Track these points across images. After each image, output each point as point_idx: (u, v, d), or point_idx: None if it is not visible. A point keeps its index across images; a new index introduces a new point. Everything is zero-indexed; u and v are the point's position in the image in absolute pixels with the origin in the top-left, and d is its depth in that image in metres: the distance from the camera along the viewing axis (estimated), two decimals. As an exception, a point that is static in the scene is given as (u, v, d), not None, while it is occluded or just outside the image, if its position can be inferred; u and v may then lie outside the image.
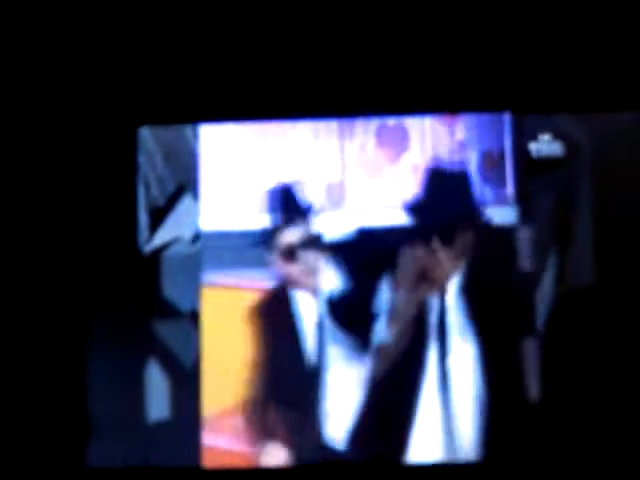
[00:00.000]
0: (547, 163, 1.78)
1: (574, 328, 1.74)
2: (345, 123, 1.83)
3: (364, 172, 1.84)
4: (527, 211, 1.78)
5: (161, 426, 1.75)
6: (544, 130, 1.78)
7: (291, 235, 1.79)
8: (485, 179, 1.81)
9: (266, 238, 1.78)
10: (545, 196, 1.78)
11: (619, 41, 1.77)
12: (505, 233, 1.77)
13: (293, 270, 1.78)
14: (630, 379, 1.71)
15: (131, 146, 1.80)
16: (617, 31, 1.77)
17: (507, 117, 1.79)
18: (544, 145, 1.78)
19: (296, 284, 1.77)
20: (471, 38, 1.78)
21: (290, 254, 1.78)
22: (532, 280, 1.76)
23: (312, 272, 1.77)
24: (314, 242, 1.78)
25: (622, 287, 1.75)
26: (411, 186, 1.81)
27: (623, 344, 1.73)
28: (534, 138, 1.78)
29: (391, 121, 1.84)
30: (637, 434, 1.69)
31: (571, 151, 1.78)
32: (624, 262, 1.75)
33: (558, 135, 1.78)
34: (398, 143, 1.84)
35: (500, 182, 1.81)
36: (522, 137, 1.79)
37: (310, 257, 1.78)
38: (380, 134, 1.85)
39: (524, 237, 1.76)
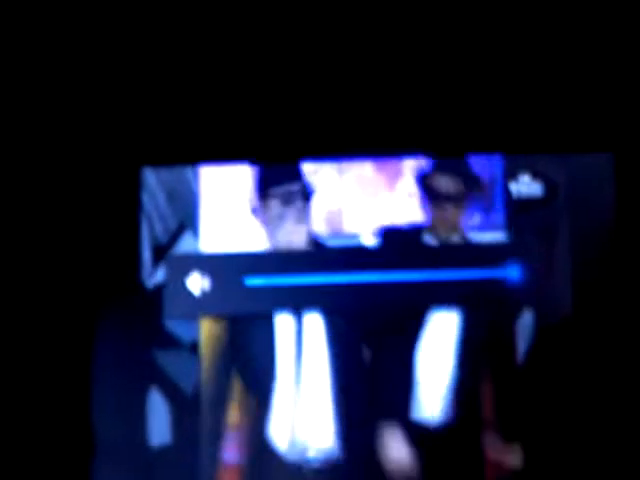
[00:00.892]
0: (527, 203, 1.90)
1: (553, 359, 1.86)
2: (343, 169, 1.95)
3: (361, 199, 1.95)
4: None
5: (162, 451, 1.85)
6: (524, 171, 1.90)
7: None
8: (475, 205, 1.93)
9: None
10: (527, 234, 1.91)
11: (594, 85, 1.89)
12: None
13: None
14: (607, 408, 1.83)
15: (135, 185, 1.91)
16: (591, 76, 1.89)
17: (497, 158, 1.91)
18: (524, 185, 1.90)
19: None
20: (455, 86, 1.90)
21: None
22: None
23: None
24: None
25: (598, 319, 1.87)
26: (406, 212, 1.93)
27: (600, 372, 1.84)
28: (514, 178, 1.90)
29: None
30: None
31: (550, 191, 1.89)
32: (599, 295, 1.87)
33: (537, 175, 1.90)
34: (393, 172, 1.95)
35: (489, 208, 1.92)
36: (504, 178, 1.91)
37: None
38: (376, 164, 1.96)
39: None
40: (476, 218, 1.91)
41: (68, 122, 1.92)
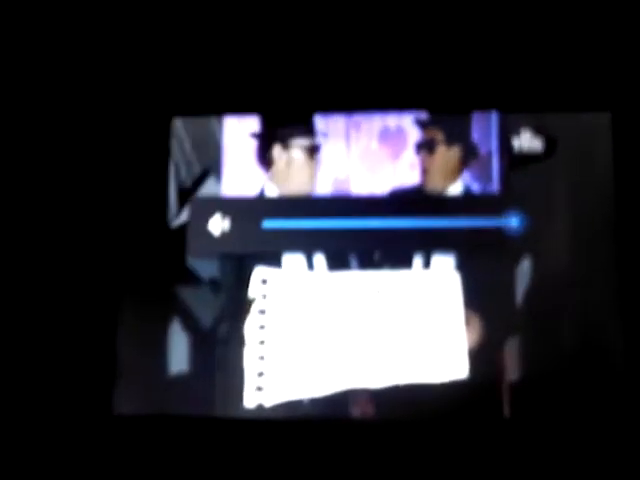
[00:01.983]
0: (527, 157, 2.02)
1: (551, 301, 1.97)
2: (351, 125, 2.09)
3: (367, 168, 2.09)
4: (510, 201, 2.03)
5: (180, 378, 1.98)
6: (525, 126, 2.03)
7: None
8: (473, 176, 2.06)
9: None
10: (527, 187, 2.02)
11: (598, 44, 2.02)
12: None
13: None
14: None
15: (166, 134, 2.08)
16: (596, 34, 2.02)
17: (494, 115, 2.05)
18: (525, 141, 2.02)
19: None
20: (457, 45, 2.05)
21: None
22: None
23: None
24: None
25: (596, 272, 1.98)
26: (409, 180, 2.07)
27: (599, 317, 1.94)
28: (516, 134, 2.03)
29: (392, 123, 2.10)
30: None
31: (549, 147, 2.02)
32: (595, 244, 1.98)
33: (538, 131, 2.02)
34: (398, 143, 2.10)
35: (487, 179, 2.05)
36: (506, 133, 2.04)
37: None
38: (382, 135, 2.11)
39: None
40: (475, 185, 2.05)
41: (105, 81, 2.11)
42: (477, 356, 1.93)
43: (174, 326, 2.01)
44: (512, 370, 1.93)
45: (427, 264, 2.00)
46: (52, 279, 1.99)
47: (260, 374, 1.97)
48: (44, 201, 2.04)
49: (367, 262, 2.01)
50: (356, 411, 1.95)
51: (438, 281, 1.97)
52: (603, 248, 1.97)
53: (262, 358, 1.97)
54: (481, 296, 1.96)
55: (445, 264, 1.99)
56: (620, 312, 1.92)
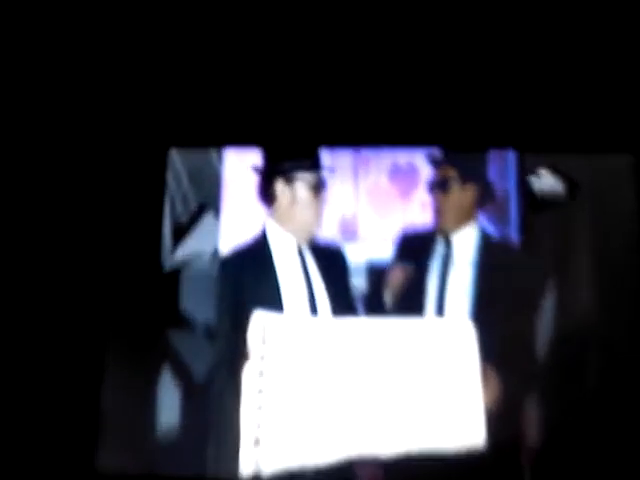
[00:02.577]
0: (547, 199, 1.91)
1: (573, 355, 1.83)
2: (360, 160, 1.96)
3: (376, 207, 1.96)
4: (529, 246, 1.90)
5: (170, 434, 1.80)
6: (544, 167, 1.91)
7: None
8: (488, 218, 1.94)
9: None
10: (547, 231, 1.90)
11: (619, 86, 1.92)
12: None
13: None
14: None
15: (161, 166, 1.92)
16: (617, 76, 1.92)
17: (510, 154, 1.93)
18: (545, 181, 1.91)
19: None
20: (477, 79, 1.93)
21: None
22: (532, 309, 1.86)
23: None
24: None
25: (621, 324, 1.85)
26: (419, 221, 1.94)
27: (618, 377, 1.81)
28: (534, 174, 1.91)
29: (403, 160, 1.98)
30: None
31: (570, 188, 1.90)
32: (623, 296, 1.86)
33: (557, 172, 1.91)
34: (409, 181, 1.97)
35: (504, 221, 1.93)
36: (524, 174, 1.92)
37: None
38: (392, 172, 1.98)
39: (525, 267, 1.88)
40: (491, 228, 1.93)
41: (102, 108, 1.96)
42: (495, 416, 1.78)
43: (164, 376, 1.83)
44: (533, 432, 1.79)
45: (440, 311, 1.87)
46: (31, 322, 1.82)
47: (258, 426, 1.80)
48: (32, 234, 1.88)
49: (375, 307, 1.88)
50: (364, 483, 1.79)
51: (452, 331, 1.83)
52: (628, 296, 1.84)
53: (260, 408, 1.80)
54: (499, 348, 1.82)
55: (459, 312, 1.86)
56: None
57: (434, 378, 1.80)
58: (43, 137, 1.91)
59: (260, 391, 1.80)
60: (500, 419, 1.79)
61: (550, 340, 1.83)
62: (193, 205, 1.92)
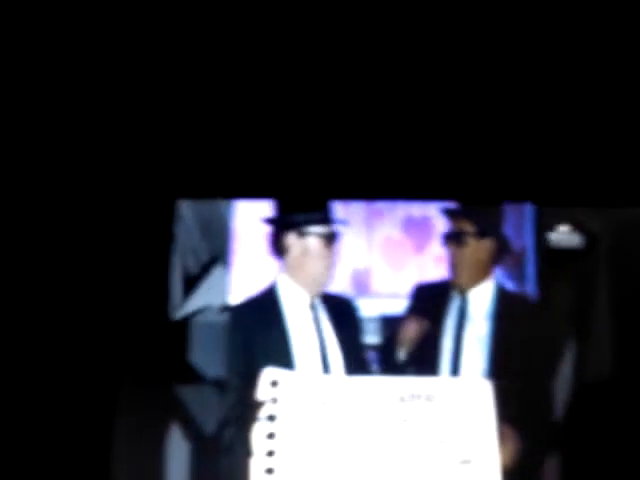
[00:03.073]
0: (566, 254, 1.87)
1: (593, 419, 1.77)
2: (373, 213, 1.94)
3: (389, 260, 1.93)
4: (547, 302, 1.86)
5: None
6: (562, 222, 1.87)
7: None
8: (505, 273, 1.90)
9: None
10: (565, 286, 1.86)
11: (635, 142, 1.89)
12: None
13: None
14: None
15: (168, 217, 1.90)
16: (637, 130, 1.90)
17: (528, 209, 1.90)
18: (563, 236, 1.87)
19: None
20: (492, 131, 1.91)
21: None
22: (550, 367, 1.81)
23: None
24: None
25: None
26: (434, 276, 1.90)
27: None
28: (552, 229, 1.87)
29: (417, 212, 1.95)
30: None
31: (589, 243, 1.86)
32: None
33: (576, 227, 1.87)
34: (423, 234, 1.94)
35: (521, 277, 1.89)
36: (541, 228, 1.88)
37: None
38: (406, 224, 1.95)
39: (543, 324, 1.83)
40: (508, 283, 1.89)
41: (109, 158, 1.95)
42: (513, 477, 1.72)
43: (174, 430, 1.79)
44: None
45: (455, 367, 1.82)
46: (38, 377, 1.79)
47: (268, 488, 1.75)
48: (41, 285, 1.85)
49: (389, 362, 1.83)
50: None
51: (468, 390, 1.78)
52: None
53: (270, 471, 1.75)
54: (516, 407, 1.77)
55: (475, 369, 1.81)
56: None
57: (449, 438, 1.75)
58: (52, 189, 1.90)
59: (270, 453, 1.75)
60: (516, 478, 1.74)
61: (568, 399, 1.77)
62: (204, 256, 1.90)
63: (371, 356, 1.83)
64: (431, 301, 1.87)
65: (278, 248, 1.89)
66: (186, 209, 1.92)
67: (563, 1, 1.89)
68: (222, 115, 1.94)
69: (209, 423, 1.79)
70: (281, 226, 1.89)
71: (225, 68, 1.95)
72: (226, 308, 1.86)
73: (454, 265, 1.88)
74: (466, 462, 1.72)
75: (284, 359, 1.80)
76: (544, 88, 1.90)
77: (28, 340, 1.82)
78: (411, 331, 1.84)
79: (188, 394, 1.81)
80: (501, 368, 1.79)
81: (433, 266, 1.90)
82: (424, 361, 1.82)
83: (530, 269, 1.87)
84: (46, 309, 1.83)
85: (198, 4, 1.91)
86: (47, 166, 1.92)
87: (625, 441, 1.74)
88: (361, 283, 1.90)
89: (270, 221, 1.90)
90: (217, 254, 1.89)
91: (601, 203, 1.88)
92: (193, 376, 1.82)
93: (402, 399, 1.76)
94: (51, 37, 1.91)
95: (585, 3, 1.88)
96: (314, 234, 1.88)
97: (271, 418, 1.77)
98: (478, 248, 1.87)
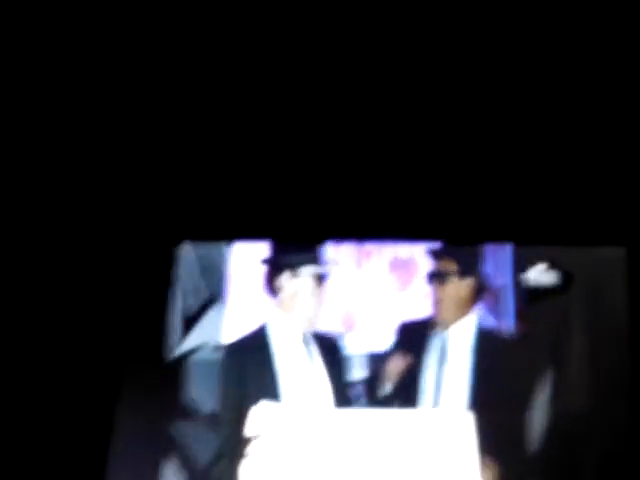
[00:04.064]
0: (543, 292, 1.96)
1: (569, 449, 1.85)
2: (362, 254, 2.05)
3: (376, 298, 2.03)
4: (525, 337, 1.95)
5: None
6: (539, 261, 1.97)
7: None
8: (486, 310, 1.99)
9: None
10: (542, 322, 1.95)
11: (612, 182, 2.00)
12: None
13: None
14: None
15: (170, 260, 2.03)
16: (609, 172, 2.01)
17: (507, 248, 2.00)
18: (540, 274, 1.96)
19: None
20: (474, 177, 2.03)
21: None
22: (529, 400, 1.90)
23: None
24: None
25: (616, 412, 1.87)
26: (419, 312, 2.00)
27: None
28: (529, 268, 1.97)
29: (403, 253, 2.05)
30: None
31: (565, 280, 1.96)
32: (617, 387, 1.88)
33: (552, 265, 1.97)
34: (409, 273, 2.05)
35: (500, 314, 1.98)
36: (519, 267, 1.98)
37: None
38: (393, 264, 2.06)
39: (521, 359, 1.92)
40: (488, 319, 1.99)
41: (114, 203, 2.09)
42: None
43: (170, 463, 1.89)
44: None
45: (438, 400, 1.91)
46: (36, 415, 1.90)
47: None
48: (45, 320, 1.98)
49: (375, 396, 1.93)
50: None
51: (450, 422, 1.87)
52: (622, 388, 1.87)
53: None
54: (496, 438, 1.85)
55: (457, 401, 1.90)
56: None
57: (433, 468, 1.83)
58: (59, 229, 2.04)
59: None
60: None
61: (545, 431, 1.85)
62: (205, 296, 2.01)
63: (358, 390, 1.93)
64: (414, 338, 1.97)
65: (272, 287, 2.00)
66: (188, 251, 2.05)
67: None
68: (218, 162, 2.09)
69: (203, 456, 1.89)
70: (275, 267, 2.01)
71: (220, 111, 2.08)
72: (221, 346, 1.97)
73: (437, 302, 1.98)
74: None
75: (275, 394, 1.91)
76: (518, 137, 2.02)
77: (31, 381, 1.94)
78: (396, 367, 1.94)
79: (183, 429, 1.91)
80: (482, 401, 1.88)
81: (418, 303, 2.00)
82: (408, 395, 1.91)
83: (509, 306, 1.96)
84: (51, 343, 1.96)
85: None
86: (55, 206, 2.06)
87: (600, 470, 1.81)
88: (349, 320, 2.00)
89: (265, 262, 2.02)
90: (215, 293, 2.01)
91: (575, 242, 1.98)
92: (188, 411, 1.92)
93: (388, 430, 1.86)
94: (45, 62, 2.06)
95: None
96: (306, 274, 1.99)
97: (262, 451, 1.87)
98: (460, 286, 1.98)
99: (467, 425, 1.86)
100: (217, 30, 2.02)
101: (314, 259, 2.01)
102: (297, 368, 1.94)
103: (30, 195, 2.04)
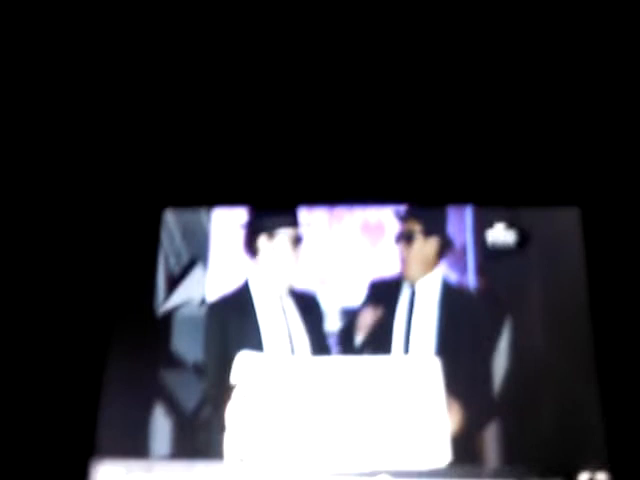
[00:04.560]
0: (501, 250, 2.13)
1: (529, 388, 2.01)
2: (334, 217, 2.20)
3: (348, 257, 2.18)
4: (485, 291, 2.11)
5: (162, 461, 1.97)
6: (499, 220, 2.14)
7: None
8: (450, 266, 2.15)
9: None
10: (502, 277, 2.11)
11: (566, 144, 2.18)
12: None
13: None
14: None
15: (156, 225, 2.17)
16: (564, 134, 2.19)
17: (468, 210, 2.16)
18: (499, 233, 2.13)
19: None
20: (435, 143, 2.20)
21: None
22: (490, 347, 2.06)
23: None
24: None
25: (573, 358, 2.03)
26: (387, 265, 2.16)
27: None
28: (490, 227, 2.14)
29: (372, 216, 2.21)
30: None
31: (522, 239, 2.13)
32: (570, 332, 2.05)
33: (510, 225, 2.14)
34: (378, 234, 2.20)
35: (463, 269, 2.14)
36: (479, 226, 2.15)
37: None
38: (363, 227, 2.21)
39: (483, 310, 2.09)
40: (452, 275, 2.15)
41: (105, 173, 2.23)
42: (459, 440, 1.95)
43: (158, 409, 2.02)
44: (492, 457, 1.95)
45: (407, 349, 2.05)
46: (30, 360, 2.03)
47: (241, 460, 1.97)
48: (37, 281, 2.11)
49: (348, 346, 2.07)
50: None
51: (420, 366, 2.02)
52: (578, 336, 2.03)
53: (243, 444, 1.97)
54: (461, 382, 2.00)
55: (425, 349, 2.05)
56: (599, 395, 1.96)
57: (405, 409, 1.98)
58: (46, 197, 2.17)
59: (243, 428, 1.97)
60: (463, 443, 1.96)
61: (507, 373, 2.01)
62: (185, 259, 2.15)
63: (332, 341, 2.07)
64: (384, 293, 2.12)
65: (251, 249, 2.15)
66: (170, 217, 2.18)
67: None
68: (199, 132, 2.24)
69: (189, 402, 2.02)
70: (253, 230, 2.16)
71: (201, 80, 2.23)
72: (205, 302, 2.10)
73: (404, 260, 2.14)
74: (419, 426, 1.95)
75: (256, 344, 2.05)
76: (475, 106, 2.20)
77: (23, 333, 2.06)
78: (367, 319, 2.09)
79: (170, 377, 2.04)
80: (448, 348, 2.03)
81: (386, 262, 2.15)
82: (380, 344, 2.06)
83: (471, 262, 2.12)
84: (46, 307, 2.08)
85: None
86: (44, 175, 2.20)
87: (556, 407, 1.97)
88: (324, 277, 2.15)
89: (244, 226, 2.17)
90: (197, 256, 2.15)
91: (531, 203, 2.15)
92: (175, 362, 2.05)
93: (360, 375, 2.00)
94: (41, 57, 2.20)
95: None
96: (282, 236, 2.14)
97: (244, 396, 2.00)
98: (425, 245, 2.14)
99: (435, 369, 2.01)
100: (204, 14, 2.17)
101: (289, 222, 2.17)
102: (276, 321, 2.09)
103: (17, 159, 2.18)
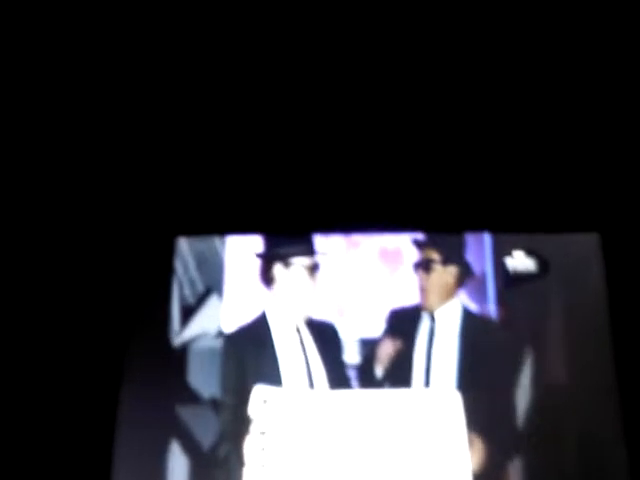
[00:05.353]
0: (521, 278, 2.09)
1: (552, 422, 1.98)
2: (351, 244, 2.16)
3: (366, 286, 2.14)
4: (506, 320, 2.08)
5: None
6: (517, 248, 2.10)
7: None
8: (469, 294, 2.12)
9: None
10: (522, 306, 2.08)
11: (583, 170, 2.15)
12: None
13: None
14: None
15: (170, 253, 2.12)
16: (583, 160, 2.15)
17: (487, 236, 2.12)
18: (518, 261, 2.10)
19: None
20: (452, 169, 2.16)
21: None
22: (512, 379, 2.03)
23: None
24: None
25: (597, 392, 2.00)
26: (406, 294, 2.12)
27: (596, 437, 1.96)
28: (509, 255, 2.10)
29: (389, 243, 2.17)
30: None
31: (542, 266, 2.09)
32: (592, 363, 2.02)
33: (530, 252, 2.10)
34: (396, 262, 2.16)
35: (483, 298, 2.11)
36: (499, 254, 2.11)
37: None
38: (381, 254, 2.17)
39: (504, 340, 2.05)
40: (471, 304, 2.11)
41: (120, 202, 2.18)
42: (480, 479, 1.92)
43: (174, 446, 1.98)
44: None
45: (427, 381, 2.02)
46: (46, 396, 1.98)
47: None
48: (50, 314, 2.06)
49: (367, 378, 2.04)
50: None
51: (440, 400, 1.98)
52: (601, 367, 2.01)
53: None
54: (483, 416, 1.97)
55: (445, 382, 2.01)
56: (623, 432, 1.94)
57: (426, 444, 1.95)
58: (59, 225, 2.11)
59: (262, 465, 1.94)
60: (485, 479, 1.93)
61: (529, 407, 1.98)
62: (200, 288, 2.10)
63: (351, 374, 2.04)
64: (403, 323, 2.08)
65: (267, 278, 2.10)
66: (184, 245, 2.13)
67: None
68: (213, 162, 2.18)
69: (206, 439, 1.98)
70: (268, 259, 2.11)
71: (216, 112, 2.18)
72: (221, 334, 2.06)
73: (423, 289, 2.10)
74: (439, 464, 1.92)
75: (274, 377, 2.00)
76: (498, 125, 2.15)
77: (36, 367, 2.01)
78: (386, 351, 2.05)
79: (187, 413, 2.00)
80: (469, 381, 2.00)
81: (405, 291, 2.11)
82: (399, 377, 2.02)
83: (490, 291, 2.09)
84: (58, 338, 2.03)
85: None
86: (57, 202, 2.14)
87: (580, 441, 1.95)
88: (341, 307, 2.11)
89: (258, 255, 2.12)
90: (212, 285, 2.10)
91: (550, 230, 2.11)
92: (191, 397, 2.01)
93: (380, 409, 1.97)
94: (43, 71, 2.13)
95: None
96: (298, 265, 2.10)
97: (262, 433, 1.96)
98: (444, 274, 2.10)
99: (455, 404, 1.98)
100: (214, 29, 2.11)
101: (305, 250, 2.12)
102: (294, 354, 2.05)
103: (37, 193, 2.12)
